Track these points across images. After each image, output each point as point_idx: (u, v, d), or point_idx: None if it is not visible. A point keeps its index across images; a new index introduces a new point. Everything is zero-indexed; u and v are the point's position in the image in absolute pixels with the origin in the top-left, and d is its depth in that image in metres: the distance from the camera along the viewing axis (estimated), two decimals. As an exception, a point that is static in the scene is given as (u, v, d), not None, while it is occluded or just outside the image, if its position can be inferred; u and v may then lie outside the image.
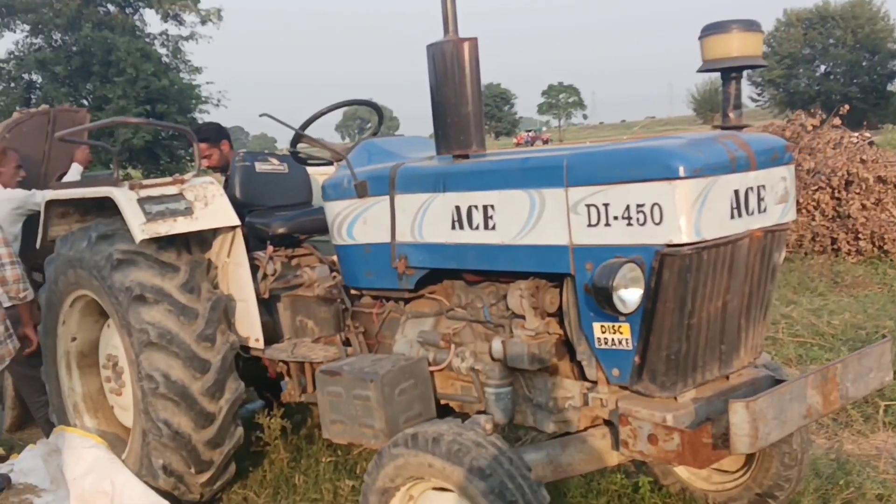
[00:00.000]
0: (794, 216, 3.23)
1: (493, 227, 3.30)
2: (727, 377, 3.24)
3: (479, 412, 3.54)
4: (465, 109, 3.41)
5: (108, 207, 4.38)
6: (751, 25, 3.05)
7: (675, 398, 3.03)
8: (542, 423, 3.48)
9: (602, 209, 2.93)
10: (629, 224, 2.87)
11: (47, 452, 4.83)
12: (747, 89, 66.26)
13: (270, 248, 4.69)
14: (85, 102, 32.00)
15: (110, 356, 4.85)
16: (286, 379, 4.64)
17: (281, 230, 4.77)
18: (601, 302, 2.84)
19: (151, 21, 39.09)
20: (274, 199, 5.13)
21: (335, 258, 4.39)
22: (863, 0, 59.61)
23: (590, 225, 2.97)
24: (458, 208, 3.42)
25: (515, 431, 4.88)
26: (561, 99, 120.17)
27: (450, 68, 3.39)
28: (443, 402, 3.84)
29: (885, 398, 5.19)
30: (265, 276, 4.62)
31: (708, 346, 3.06)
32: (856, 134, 11.61)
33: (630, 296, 2.83)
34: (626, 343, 2.99)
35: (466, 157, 3.50)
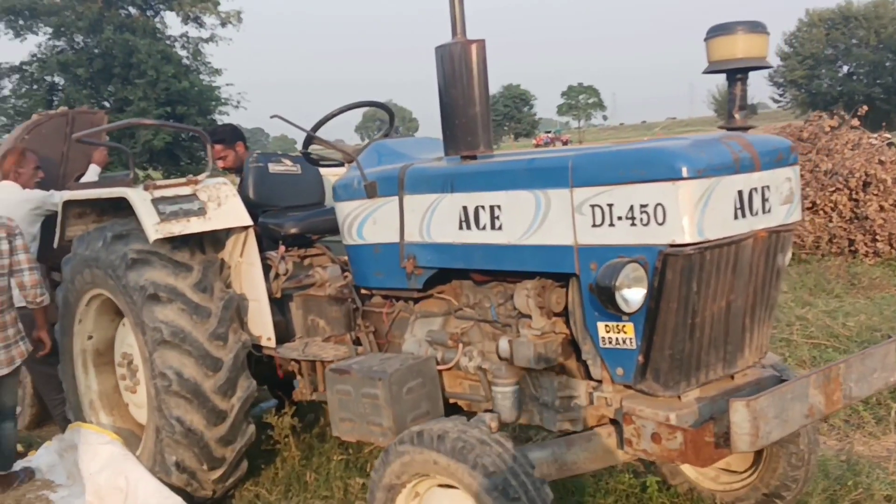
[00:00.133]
0: (799, 217, 3.24)
1: (500, 228, 3.33)
2: (732, 377, 3.26)
3: (487, 411, 3.57)
4: (473, 111, 3.45)
5: (123, 208, 4.45)
6: (756, 27, 3.06)
7: (679, 397, 3.05)
8: (549, 421, 3.51)
9: (606, 209, 2.96)
10: (633, 224, 2.89)
11: (64, 448, 4.91)
12: (769, 90, 65.93)
13: (282, 248, 4.74)
14: (106, 104, 32.29)
15: (125, 354, 4.92)
16: (298, 377, 4.69)
17: (293, 230, 4.83)
18: (604, 301, 2.87)
19: (172, 23, 39.22)
20: (287, 200, 5.18)
21: (347, 258, 4.44)
22: (886, 0, 59.01)
23: (594, 225, 3.00)
24: (465, 208, 3.45)
25: (526, 431, 4.91)
26: (581, 100, 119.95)
27: (458, 70, 3.44)
28: (451, 400, 3.88)
29: (898, 400, 5.17)
30: (277, 275, 4.68)
31: (712, 346, 3.08)
32: (875, 135, 11.50)
33: (633, 295, 2.85)
34: (630, 342, 3.01)
35: (474, 157, 3.54)
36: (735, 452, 2.79)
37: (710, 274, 2.92)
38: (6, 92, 33.43)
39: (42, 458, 5.13)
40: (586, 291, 3.08)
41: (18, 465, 5.10)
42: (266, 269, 4.65)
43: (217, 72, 35.58)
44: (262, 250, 4.69)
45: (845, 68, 61.43)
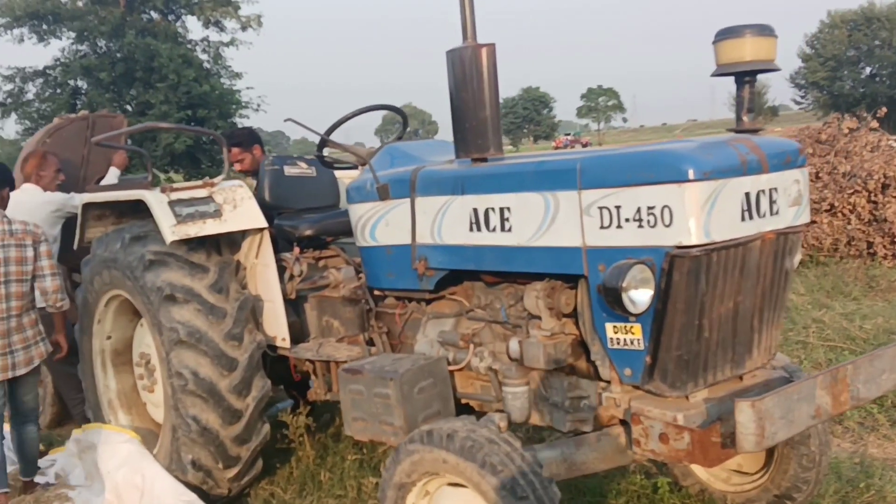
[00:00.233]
0: (807, 219, 3.25)
1: (510, 229, 3.37)
2: (741, 378, 3.27)
3: (498, 411, 3.60)
4: (483, 114, 3.50)
5: (141, 210, 4.52)
6: (764, 30, 3.08)
7: (687, 398, 3.07)
8: (559, 422, 3.53)
9: (614, 211, 2.99)
10: (640, 226, 2.92)
11: (82, 449, 4.98)
12: (790, 92, 65.51)
13: (297, 250, 4.80)
14: (128, 108, 32.64)
15: (143, 354, 5.00)
16: (312, 378, 4.74)
17: (308, 232, 4.89)
18: (612, 302, 2.89)
19: (193, 28, 39.75)
20: (302, 202, 5.24)
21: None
22: (909, 1, 58.55)
23: (602, 227, 3.03)
24: (475, 210, 3.49)
25: (540, 432, 4.93)
26: (600, 102, 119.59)
27: (468, 73, 3.48)
28: (463, 400, 3.92)
29: (913, 403, 5.15)
30: (292, 276, 4.73)
31: (719, 347, 3.10)
32: (894, 137, 11.42)
33: (640, 296, 2.88)
34: (638, 343, 3.04)
35: (484, 160, 3.58)
36: (741, 453, 2.81)
37: (717, 275, 2.94)
38: (30, 96, 33.94)
39: (61, 460, 5.20)
40: (594, 292, 3.11)
41: (38, 464, 5.16)
42: (281, 270, 4.71)
43: (237, 75, 35.84)
44: (277, 252, 4.75)
45: (868, 70, 60.99)
